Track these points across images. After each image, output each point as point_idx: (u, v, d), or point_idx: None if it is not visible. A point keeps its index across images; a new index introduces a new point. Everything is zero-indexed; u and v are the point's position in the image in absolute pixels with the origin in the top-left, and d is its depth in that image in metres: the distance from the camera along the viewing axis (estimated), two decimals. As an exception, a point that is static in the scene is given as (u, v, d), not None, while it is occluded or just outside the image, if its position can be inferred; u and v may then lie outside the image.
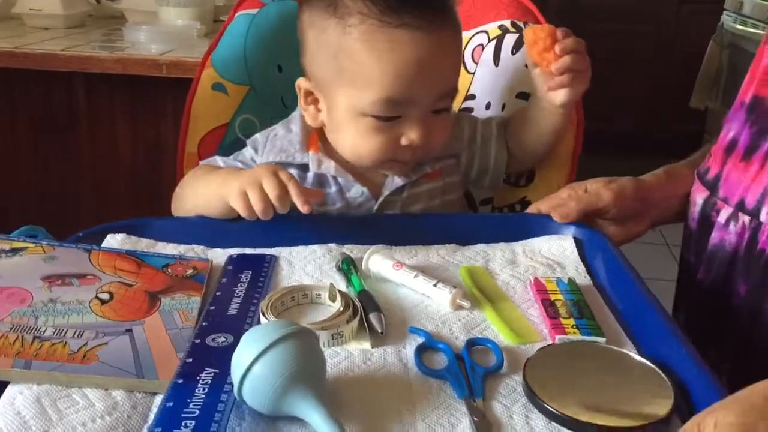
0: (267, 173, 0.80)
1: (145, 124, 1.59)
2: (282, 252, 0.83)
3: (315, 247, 0.84)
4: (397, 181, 0.93)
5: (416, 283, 0.74)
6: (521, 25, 1.06)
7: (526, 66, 1.02)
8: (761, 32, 3.13)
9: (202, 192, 0.90)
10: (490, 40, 1.07)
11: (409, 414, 0.57)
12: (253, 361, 0.55)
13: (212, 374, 0.59)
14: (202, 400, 0.56)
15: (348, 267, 0.77)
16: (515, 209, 1.03)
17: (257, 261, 0.80)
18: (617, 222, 0.92)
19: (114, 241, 0.83)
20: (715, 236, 0.83)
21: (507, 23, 1.07)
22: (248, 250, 0.83)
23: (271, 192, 0.79)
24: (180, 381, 0.58)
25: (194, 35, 1.69)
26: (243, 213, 0.81)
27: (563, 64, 0.86)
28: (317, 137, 0.93)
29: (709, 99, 3.49)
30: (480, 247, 0.85)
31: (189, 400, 0.56)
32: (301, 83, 0.91)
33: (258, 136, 0.96)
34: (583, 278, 0.78)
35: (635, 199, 0.90)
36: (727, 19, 3.44)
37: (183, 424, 0.53)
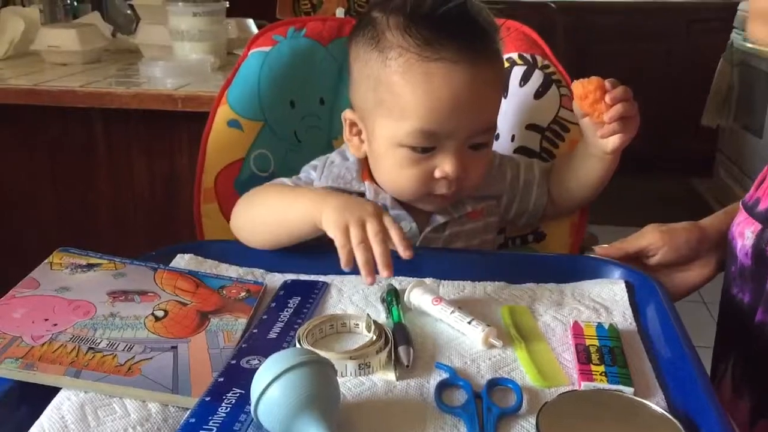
0: (372, 214, 0.78)
1: (161, 157, 1.63)
2: (335, 280, 0.86)
3: (367, 276, 0.86)
4: (439, 218, 0.94)
5: (452, 319, 0.75)
6: (528, 57, 1.08)
7: (534, 98, 1.05)
8: None
9: (279, 205, 0.90)
10: None
11: (418, 448, 0.59)
12: (269, 384, 0.58)
13: (238, 394, 0.63)
14: (222, 418, 0.60)
15: (391, 299, 0.79)
16: (527, 240, 1.04)
17: (308, 287, 0.84)
18: (681, 267, 0.94)
19: (182, 260, 0.89)
20: None
21: (515, 56, 1.09)
22: (304, 276, 0.87)
23: (373, 236, 0.76)
24: (207, 399, 0.62)
25: (208, 69, 1.72)
26: (340, 244, 0.78)
27: (615, 113, 0.88)
28: (369, 168, 0.97)
29: (721, 117, 3.46)
30: (529, 286, 0.85)
31: (210, 418, 0.60)
32: (347, 114, 0.95)
33: (315, 161, 1.00)
34: (628, 324, 0.77)
35: (690, 240, 0.92)
36: (736, 37, 3.43)
37: (199, 439, 0.57)
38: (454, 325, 0.75)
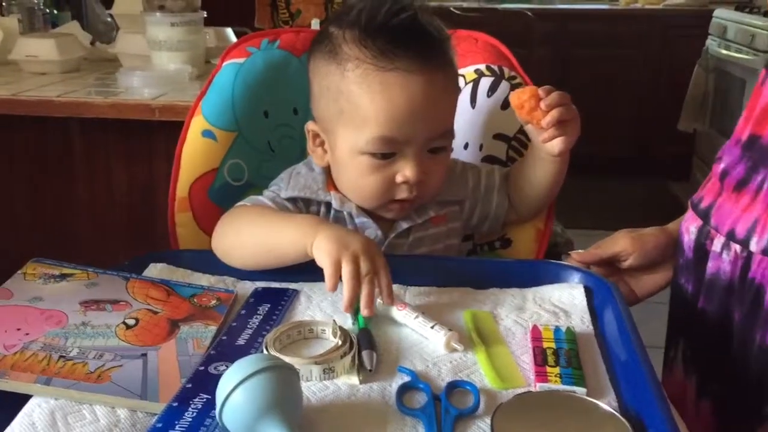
0: (365, 252, 0.79)
1: (140, 166, 1.64)
2: (305, 287, 0.88)
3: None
4: (403, 224, 0.97)
5: (416, 324, 0.78)
6: (495, 69, 1.11)
7: (501, 108, 1.09)
8: (745, 56, 3.15)
9: (268, 231, 0.90)
10: (466, 83, 1.12)
11: (378, 449, 0.61)
12: (233, 388, 0.60)
13: (204, 399, 0.65)
14: (188, 423, 0.62)
15: (357, 305, 0.81)
16: (495, 246, 1.07)
17: (278, 295, 0.86)
18: (649, 270, 0.99)
19: (155, 269, 0.91)
20: (711, 265, 0.87)
21: (482, 67, 1.12)
22: (275, 284, 0.89)
23: (364, 275, 0.78)
24: (175, 404, 0.64)
25: (186, 78, 1.73)
26: (329, 274, 0.79)
27: (551, 119, 0.91)
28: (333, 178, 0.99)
29: (697, 122, 3.57)
30: (492, 291, 0.87)
31: (176, 422, 0.62)
32: (309, 126, 0.98)
33: (282, 174, 1.03)
34: (586, 327, 0.80)
35: (658, 246, 0.98)
36: (711, 43, 3.53)
37: (165, 443, 0.59)
38: (418, 330, 0.77)
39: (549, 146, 0.94)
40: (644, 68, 3.99)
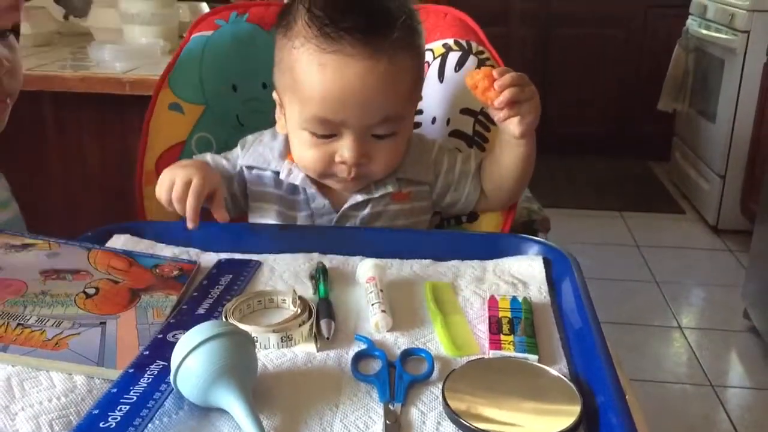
0: (182, 178, 0.89)
1: (113, 140, 1.64)
2: (268, 258, 0.89)
3: (299, 255, 0.89)
4: (358, 197, 0.98)
5: (369, 298, 0.78)
6: (463, 43, 1.11)
7: None
8: (724, 36, 3.14)
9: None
10: (435, 58, 1.12)
11: (331, 414, 0.62)
12: (187, 354, 0.61)
13: (161, 366, 0.66)
14: (143, 388, 0.62)
15: (319, 275, 0.82)
16: (461, 220, 1.08)
17: (241, 266, 0.87)
18: None
19: (118, 240, 0.91)
20: None
21: (450, 42, 1.13)
22: (238, 255, 0.90)
23: (175, 194, 0.89)
24: (131, 371, 0.65)
25: (158, 52, 1.72)
26: (156, 196, 0.92)
27: (503, 99, 0.90)
28: None
29: (677, 102, 3.57)
30: (453, 263, 0.88)
31: (131, 388, 0.62)
32: (274, 94, 1.00)
33: (249, 136, 1.05)
34: (543, 298, 0.81)
35: None
36: (692, 23, 3.55)
37: (118, 408, 0.60)
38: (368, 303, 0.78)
39: (511, 128, 0.93)
40: (625, 48, 3.99)
